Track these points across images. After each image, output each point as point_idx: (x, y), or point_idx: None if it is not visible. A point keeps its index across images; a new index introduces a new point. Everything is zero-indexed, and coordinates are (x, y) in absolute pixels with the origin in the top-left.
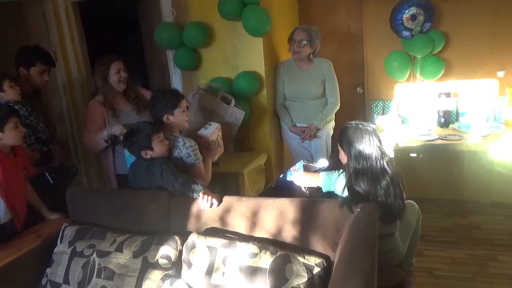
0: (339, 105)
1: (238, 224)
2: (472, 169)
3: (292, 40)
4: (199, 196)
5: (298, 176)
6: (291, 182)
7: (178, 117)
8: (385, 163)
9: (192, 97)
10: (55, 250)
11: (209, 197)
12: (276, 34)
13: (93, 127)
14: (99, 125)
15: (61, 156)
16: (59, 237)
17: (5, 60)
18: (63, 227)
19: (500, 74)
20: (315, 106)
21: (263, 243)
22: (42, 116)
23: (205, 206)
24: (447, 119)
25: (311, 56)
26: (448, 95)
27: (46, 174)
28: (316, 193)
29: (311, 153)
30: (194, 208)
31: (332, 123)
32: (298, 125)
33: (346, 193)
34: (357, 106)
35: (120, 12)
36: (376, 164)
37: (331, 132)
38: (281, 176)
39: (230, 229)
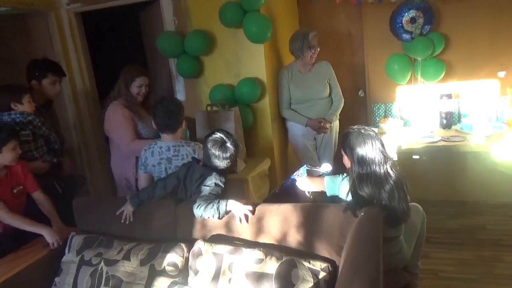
0: (343, 100)
1: (243, 230)
2: (475, 170)
3: (311, 46)
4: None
5: (301, 181)
6: (295, 187)
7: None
8: (388, 167)
9: None
10: (63, 259)
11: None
12: (277, 40)
13: (130, 129)
14: (134, 126)
15: (70, 166)
16: (67, 246)
17: (10, 71)
18: (70, 236)
19: (501, 74)
20: (325, 104)
21: (269, 249)
22: (53, 128)
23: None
24: (449, 120)
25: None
26: (449, 96)
27: (55, 184)
28: (320, 197)
29: (319, 148)
30: None
31: (337, 123)
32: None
33: (350, 198)
34: (359, 109)
35: (121, 21)
36: (380, 168)
37: (338, 129)
38: (285, 181)
39: (235, 235)
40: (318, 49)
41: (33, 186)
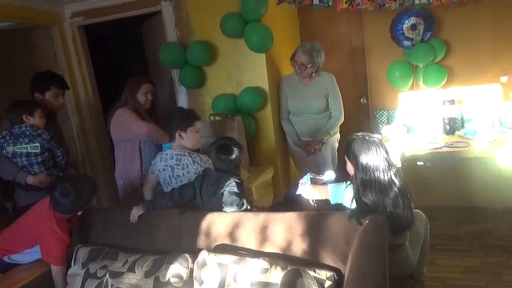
0: (343, 118)
1: (248, 239)
2: (480, 176)
3: (293, 60)
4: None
5: (305, 189)
6: (299, 196)
7: (190, 136)
8: (392, 174)
9: None
10: (69, 272)
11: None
12: (278, 49)
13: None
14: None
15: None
16: (73, 259)
17: (14, 84)
18: (76, 248)
19: (504, 79)
20: (319, 121)
21: (273, 258)
22: (57, 139)
23: None
24: (453, 126)
25: (313, 74)
26: (452, 102)
27: None
28: (324, 205)
29: (317, 158)
30: (204, 225)
31: (337, 136)
32: (302, 139)
33: (354, 205)
34: (362, 116)
35: (124, 33)
36: (384, 175)
37: (336, 145)
38: (289, 190)
39: (239, 245)
40: (304, 69)
41: (75, 220)
